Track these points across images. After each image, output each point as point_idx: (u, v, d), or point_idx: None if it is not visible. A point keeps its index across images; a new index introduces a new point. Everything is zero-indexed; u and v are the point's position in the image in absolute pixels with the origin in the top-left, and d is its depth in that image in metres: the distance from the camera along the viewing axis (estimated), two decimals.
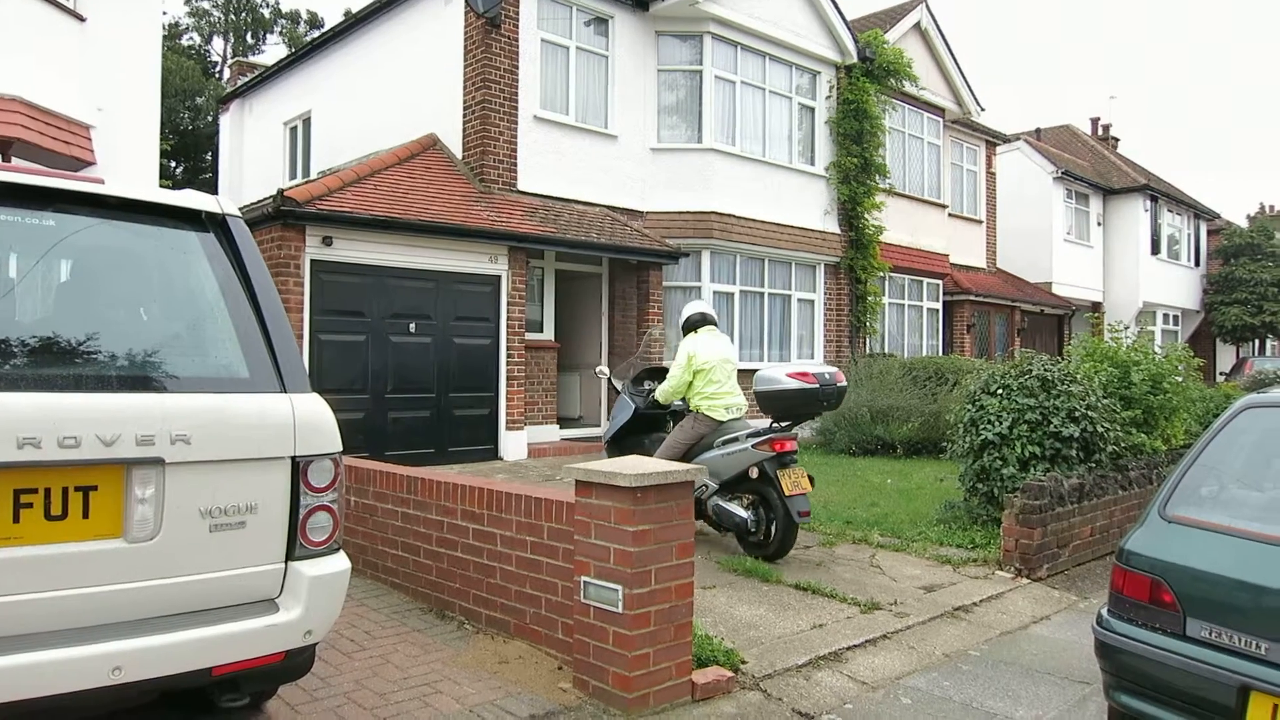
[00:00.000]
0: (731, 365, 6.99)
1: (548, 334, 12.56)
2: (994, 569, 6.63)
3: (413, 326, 10.49)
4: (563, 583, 4.40)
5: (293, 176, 16.53)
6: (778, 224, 14.70)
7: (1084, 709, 4.29)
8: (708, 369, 6.84)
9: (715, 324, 7.21)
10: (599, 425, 13.42)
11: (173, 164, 27.77)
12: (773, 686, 4.40)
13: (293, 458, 2.98)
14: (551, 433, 12.27)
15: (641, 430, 7.42)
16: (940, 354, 18.32)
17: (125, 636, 2.62)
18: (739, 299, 14.28)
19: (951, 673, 4.76)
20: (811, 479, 6.62)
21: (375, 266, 10.15)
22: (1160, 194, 27.25)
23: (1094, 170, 27.26)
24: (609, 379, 8.34)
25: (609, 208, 13.10)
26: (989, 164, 22.08)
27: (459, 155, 12.23)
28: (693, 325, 7.11)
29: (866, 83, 15.86)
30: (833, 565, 6.63)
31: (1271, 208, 35.01)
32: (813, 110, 15.70)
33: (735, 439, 6.68)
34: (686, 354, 6.89)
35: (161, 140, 9.50)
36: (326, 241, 9.72)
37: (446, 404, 10.79)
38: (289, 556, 2.99)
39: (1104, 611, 3.45)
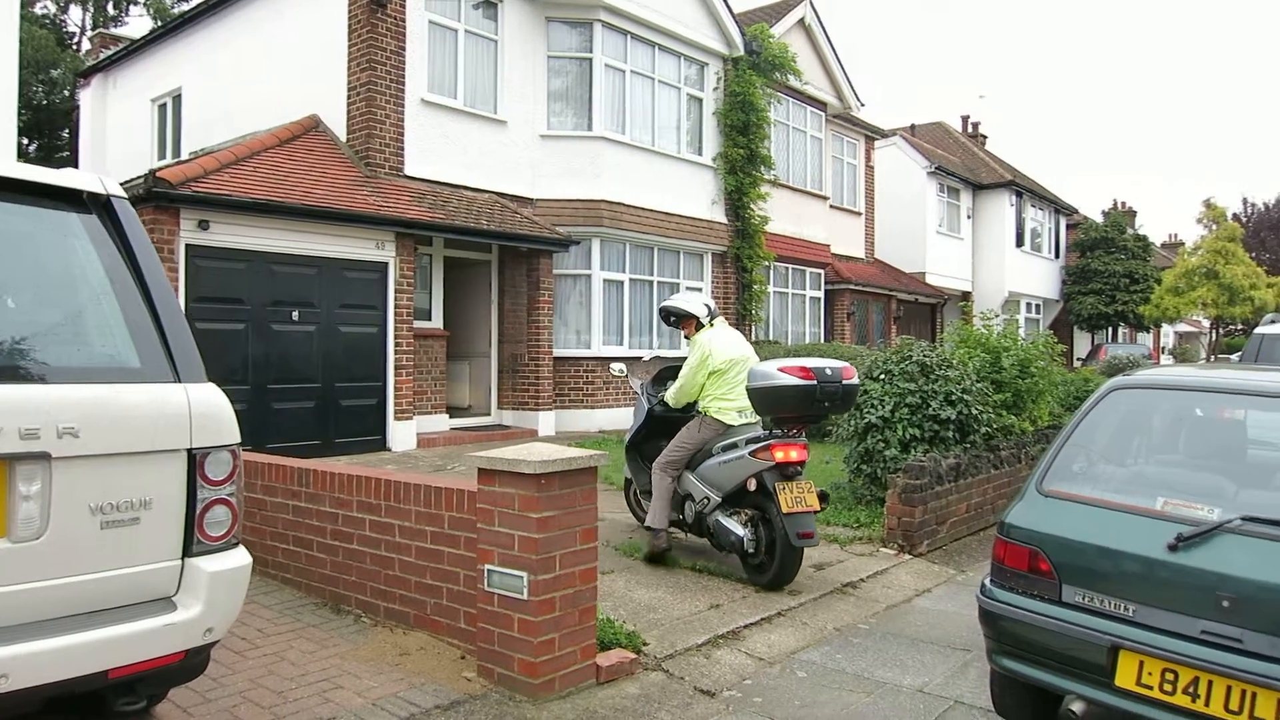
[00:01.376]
0: (746, 364, 6.18)
1: (436, 322, 12.36)
2: (879, 546, 6.92)
3: (296, 314, 10.16)
4: (465, 572, 4.38)
5: (161, 156, 15.72)
6: (666, 213, 14.84)
7: (966, 674, 4.54)
8: (724, 370, 6.13)
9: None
10: (489, 414, 13.32)
11: (25, 141, 25.96)
12: (674, 666, 4.50)
13: (189, 450, 2.87)
14: (441, 422, 12.10)
15: (662, 434, 6.53)
16: (822, 341, 18.89)
17: (12, 641, 2.48)
18: (629, 287, 14.36)
19: (843, 646, 4.96)
20: (824, 495, 5.95)
21: (255, 252, 9.77)
22: (1024, 190, 28.72)
23: (964, 166, 28.50)
24: (626, 377, 7.52)
25: (498, 194, 12.97)
26: (868, 158, 22.81)
27: (343, 138, 11.88)
28: (710, 317, 6.41)
29: (753, 75, 16.15)
30: None
31: (1123, 204, 37.35)
32: (701, 101, 15.89)
33: (735, 445, 5.97)
34: (701, 354, 6.18)
35: None
36: (203, 225, 9.31)
37: (332, 394, 10.50)
38: (186, 553, 2.88)
39: (987, 581, 3.66)
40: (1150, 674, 3.09)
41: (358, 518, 4.95)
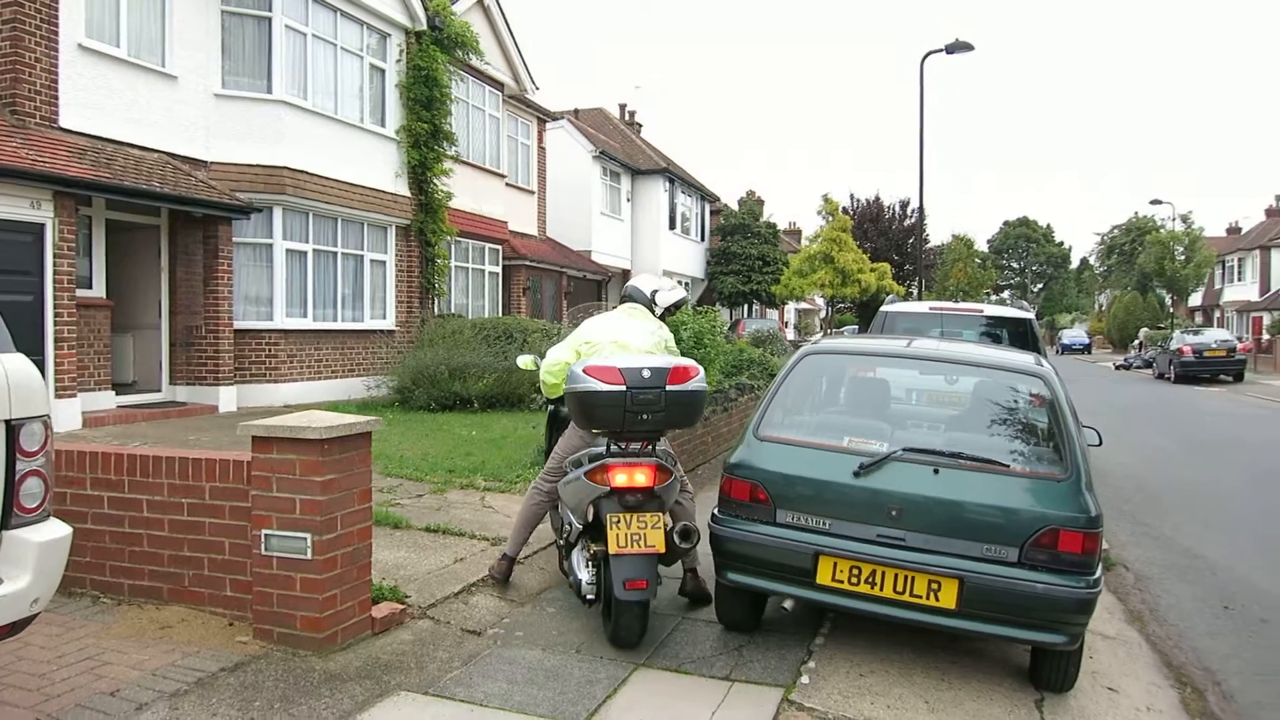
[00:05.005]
0: (621, 351, 4.93)
1: (98, 291, 11.30)
2: None
3: None
4: (231, 540, 4.46)
5: None
6: (351, 184, 14.60)
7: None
8: (592, 347, 5.06)
9: (649, 305, 5.38)
10: (160, 390, 12.42)
11: None
12: (439, 613, 4.91)
13: (6, 421, 2.84)
14: (107, 399, 11.12)
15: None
16: (501, 315, 19.51)
17: None
18: (312, 258, 13.99)
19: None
20: (688, 532, 4.44)
21: None
22: (677, 177, 31.32)
23: (624, 152, 30.45)
24: (537, 370, 5.89)
25: (169, 155, 12.06)
26: (540, 139, 23.70)
27: None
28: (647, 304, 5.39)
29: (436, 51, 16.26)
30: (450, 509, 7.18)
31: (754, 193, 41.85)
32: (384, 72, 15.72)
33: (580, 461, 4.75)
34: (581, 327, 5.32)
35: None
36: None
37: None
38: (3, 525, 2.85)
39: (716, 512, 4.49)
40: (841, 571, 4.07)
41: (92, 495, 4.77)
